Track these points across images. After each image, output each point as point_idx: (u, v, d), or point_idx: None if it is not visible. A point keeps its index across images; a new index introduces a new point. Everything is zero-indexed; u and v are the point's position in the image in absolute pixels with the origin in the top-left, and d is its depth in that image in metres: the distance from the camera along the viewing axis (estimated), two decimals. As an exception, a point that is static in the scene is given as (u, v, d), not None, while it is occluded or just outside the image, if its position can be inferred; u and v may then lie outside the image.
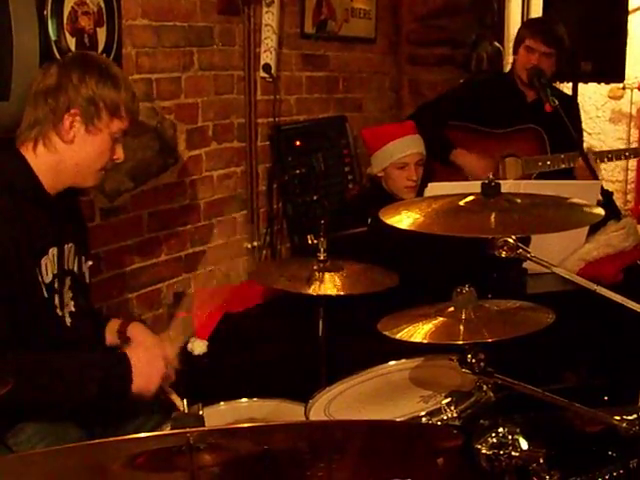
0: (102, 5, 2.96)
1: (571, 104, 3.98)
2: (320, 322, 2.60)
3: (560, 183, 3.41)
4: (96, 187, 2.73)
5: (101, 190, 3.08)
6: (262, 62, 3.95)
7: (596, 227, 3.29)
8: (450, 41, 5.03)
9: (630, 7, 4.59)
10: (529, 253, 1.94)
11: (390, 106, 5.05)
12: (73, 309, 2.23)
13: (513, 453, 1.85)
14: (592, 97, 5.51)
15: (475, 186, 1.99)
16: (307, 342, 2.69)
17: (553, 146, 3.79)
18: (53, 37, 2.74)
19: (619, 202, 5.27)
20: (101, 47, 2.97)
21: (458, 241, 1.97)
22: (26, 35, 2.52)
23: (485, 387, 1.96)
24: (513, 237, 1.92)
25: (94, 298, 2.45)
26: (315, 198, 4.16)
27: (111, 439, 1.34)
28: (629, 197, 5.72)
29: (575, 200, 2.04)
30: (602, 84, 4.96)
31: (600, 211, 1.98)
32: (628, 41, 4.50)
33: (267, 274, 2.82)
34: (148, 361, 2.14)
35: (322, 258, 2.53)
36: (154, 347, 2.22)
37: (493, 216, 1.88)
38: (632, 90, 5.46)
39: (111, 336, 2.37)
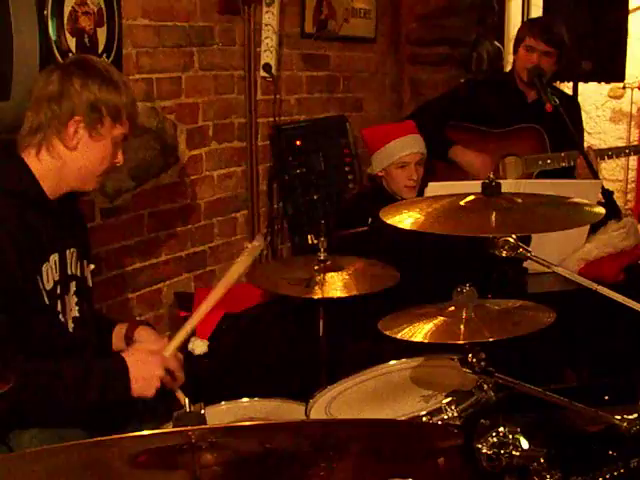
0: (102, 5, 2.96)
1: (572, 104, 3.98)
2: (320, 322, 2.60)
3: (560, 182, 3.41)
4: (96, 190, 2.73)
5: (101, 190, 3.08)
6: (262, 62, 3.95)
7: (597, 226, 3.30)
8: (450, 41, 5.03)
9: (630, 7, 4.60)
10: (529, 252, 1.95)
11: (390, 106, 5.05)
12: (77, 314, 2.22)
13: (514, 453, 1.85)
14: (592, 96, 5.52)
15: (475, 186, 1.99)
16: (308, 342, 2.70)
17: (554, 146, 3.79)
18: (53, 37, 2.74)
19: (620, 201, 5.27)
20: (101, 47, 2.97)
21: (459, 241, 1.97)
22: (26, 35, 2.53)
23: (486, 387, 1.96)
24: (513, 236, 1.92)
25: (95, 298, 2.44)
26: (315, 198, 4.16)
27: (113, 437, 1.34)
28: (630, 196, 5.72)
29: (576, 199, 2.04)
30: (602, 83, 4.96)
31: (601, 210, 1.97)
32: (628, 41, 4.51)
33: (267, 275, 2.82)
34: (145, 364, 2.13)
35: (322, 258, 2.53)
36: (152, 349, 2.21)
37: (493, 215, 1.88)
38: (632, 89, 5.47)
39: (118, 341, 2.36)
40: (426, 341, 1.93)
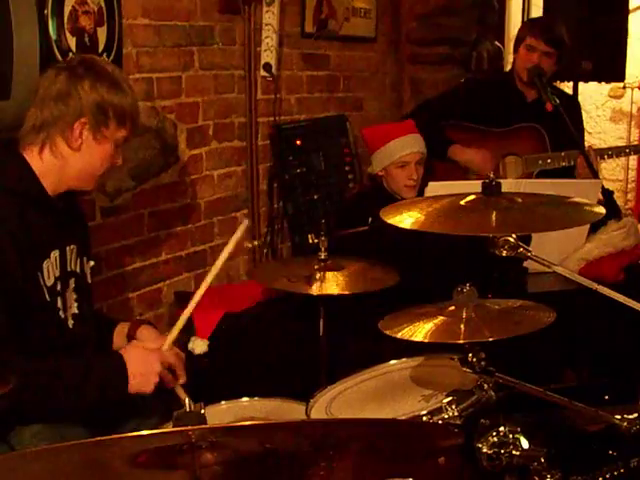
0: (102, 4, 2.96)
1: (572, 103, 3.99)
2: (321, 321, 2.60)
3: (561, 182, 3.41)
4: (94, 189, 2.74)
5: (102, 189, 3.08)
6: (263, 61, 3.95)
7: (597, 226, 3.30)
8: (451, 40, 5.03)
9: (630, 7, 4.60)
10: (530, 252, 1.95)
11: (391, 105, 5.05)
12: (76, 311, 2.23)
13: (514, 452, 1.85)
14: (592, 96, 5.52)
15: (476, 185, 1.99)
16: (308, 341, 2.70)
17: (554, 145, 3.79)
18: (53, 36, 2.74)
19: (620, 201, 5.28)
20: (101, 47, 2.97)
21: (459, 240, 1.97)
22: (26, 34, 2.52)
23: (486, 386, 1.96)
24: (514, 236, 1.92)
25: (95, 298, 2.45)
26: (315, 197, 4.16)
27: (113, 437, 1.34)
28: (630, 196, 5.73)
29: (576, 199, 2.04)
30: (602, 83, 4.97)
31: (601, 210, 1.97)
32: (628, 40, 4.51)
33: (267, 274, 2.83)
34: (143, 360, 2.14)
35: (323, 257, 2.53)
36: (150, 346, 2.21)
37: (494, 215, 1.88)
38: (632, 89, 5.48)
39: (120, 340, 2.37)
40: (426, 341, 1.93)
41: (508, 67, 5.07)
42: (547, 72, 3.71)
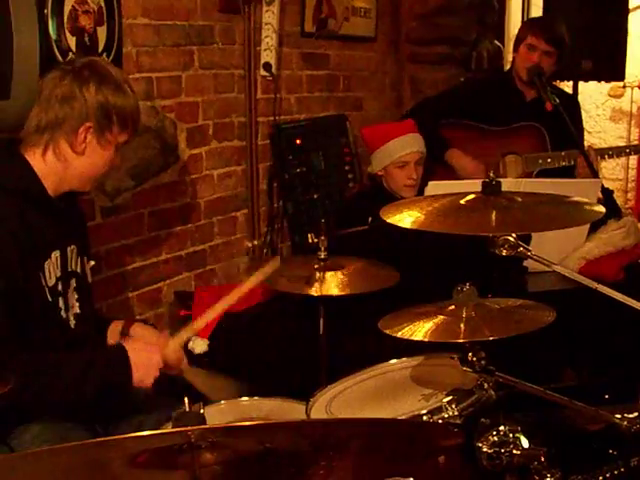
0: (102, 4, 2.96)
1: (572, 103, 3.98)
2: (321, 321, 2.60)
3: (561, 181, 3.41)
4: (93, 189, 2.75)
5: (102, 189, 3.08)
6: (262, 61, 3.95)
7: (597, 225, 3.30)
8: (450, 39, 5.03)
9: (630, 6, 4.60)
10: (530, 251, 1.94)
11: (390, 105, 5.05)
12: (78, 311, 2.23)
13: (514, 451, 1.85)
14: (592, 96, 5.52)
15: (476, 184, 1.99)
16: (308, 341, 2.70)
17: (554, 145, 3.79)
18: (53, 36, 2.74)
19: (620, 200, 5.27)
20: (101, 46, 2.97)
21: (459, 239, 1.97)
22: (26, 34, 2.52)
23: (486, 385, 1.96)
24: (514, 235, 1.92)
25: (95, 297, 2.45)
26: (315, 197, 4.16)
27: (113, 437, 1.34)
28: (629, 195, 5.73)
29: (576, 198, 2.04)
30: (602, 83, 4.96)
31: (601, 209, 1.97)
32: (628, 40, 4.51)
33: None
34: (145, 352, 2.15)
35: (323, 257, 2.53)
36: (152, 340, 2.22)
37: (494, 214, 1.88)
38: (632, 88, 5.48)
39: (113, 338, 2.37)
40: (426, 340, 1.93)
41: (508, 67, 5.07)
42: (547, 71, 3.71)
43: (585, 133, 4.62)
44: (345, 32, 4.49)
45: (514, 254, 1.92)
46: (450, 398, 1.99)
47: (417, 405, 2.05)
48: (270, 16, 3.92)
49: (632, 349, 2.97)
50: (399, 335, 1.96)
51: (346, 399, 2.20)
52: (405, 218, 1.94)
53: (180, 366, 2.23)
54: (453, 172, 3.72)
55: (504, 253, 1.92)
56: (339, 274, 2.52)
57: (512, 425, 1.87)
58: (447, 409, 1.97)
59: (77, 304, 2.23)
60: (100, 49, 2.96)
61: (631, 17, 4.61)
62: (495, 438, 1.86)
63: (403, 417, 1.97)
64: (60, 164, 2.14)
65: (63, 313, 2.17)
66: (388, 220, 1.95)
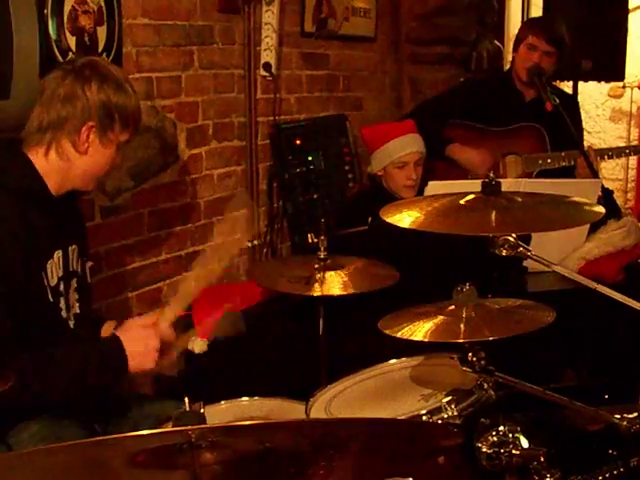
0: (102, 4, 2.96)
1: (571, 103, 3.98)
2: (320, 321, 2.60)
3: (560, 181, 3.41)
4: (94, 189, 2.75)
5: (101, 189, 3.08)
6: (262, 61, 3.95)
7: (596, 226, 3.30)
8: (450, 40, 5.03)
9: (630, 6, 4.60)
10: (529, 251, 1.94)
11: (390, 105, 5.05)
12: (78, 311, 2.23)
13: (514, 452, 1.85)
14: (592, 96, 5.52)
15: (475, 185, 1.99)
16: (308, 341, 2.70)
17: (554, 145, 3.79)
18: (53, 36, 2.74)
19: (619, 201, 5.28)
20: (101, 46, 2.97)
21: (459, 240, 1.97)
22: (26, 34, 2.52)
23: (486, 385, 1.96)
24: (513, 235, 1.92)
25: (94, 297, 2.45)
26: (315, 197, 4.16)
27: (112, 436, 1.34)
28: (629, 195, 5.73)
29: (575, 198, 2.04)
30: (602, 83, 4.97)
31: (600, 209, 1.97)
32: (628, 40, 4.51)
33: (267, 274, 2.82)
34: (140, 339, 2.13)
35: (322, 257, 2.53)
36: (145, 323, 2.20)
37: (493, 214, 1.88)
38: (632, 89, 5.47)
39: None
40: (426, 340, 1.93)
41: (508, 67, 5.07)
42: (547, 71, 3.71)
43: (585, 133, 4.62)
44: (345, 32, 4.49)
45: (514, 254, 1.92)
46: (450, 398, 1.99)
47: (417, 405, 2.05)
48: (270, 16, 3.92)
49: (632, 349, 2.97)
50: (399, 335, 1.96)
51: (346, 399, 2.20)
52: (405, 218, 1.94)
53: (175, 341, 2.23)
54: (453, 170, 3.72)
55: (504, 253, 1.92)
56: (339, 274, 2.52)
57: (512, 425, 1.88)
58: (447, 409, 1.97)
59: (77, 304, 2.23)
60: (100, 49, 2.96)
61: (631, 17, 4.61)
62: (495, 438, 1.86)
63: (403, 417, 1.97)
64: (63, 163, 2.14)
65: (64, 313, 2.17)
66: (388, 220, 1.95)
